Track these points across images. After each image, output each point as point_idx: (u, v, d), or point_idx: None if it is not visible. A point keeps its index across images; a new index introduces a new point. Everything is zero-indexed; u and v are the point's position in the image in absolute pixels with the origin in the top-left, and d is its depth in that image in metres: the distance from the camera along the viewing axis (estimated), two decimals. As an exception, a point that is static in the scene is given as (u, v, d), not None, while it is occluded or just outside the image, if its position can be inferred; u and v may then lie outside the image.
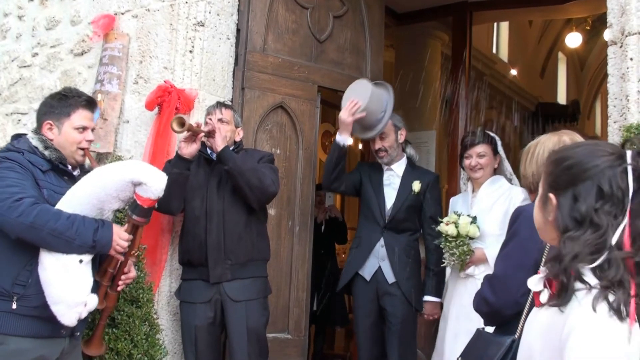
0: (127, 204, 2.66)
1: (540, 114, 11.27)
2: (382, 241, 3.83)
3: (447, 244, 3.52)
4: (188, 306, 3.36)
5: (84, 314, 2.52)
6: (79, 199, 2.55)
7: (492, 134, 3.75)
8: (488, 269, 3.36)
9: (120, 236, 2.58)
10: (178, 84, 3.66)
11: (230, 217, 3.33)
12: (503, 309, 2.14)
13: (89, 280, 2.55)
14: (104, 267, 2.69)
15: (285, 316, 3.98)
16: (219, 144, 3.27)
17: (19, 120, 4.50)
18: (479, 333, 2.20)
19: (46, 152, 2.66)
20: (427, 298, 3.80)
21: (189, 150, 3.29)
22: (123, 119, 3.83)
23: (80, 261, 2.51)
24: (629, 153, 1.40)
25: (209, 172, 3.41)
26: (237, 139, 3.49)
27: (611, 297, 1.29)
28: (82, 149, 2.76)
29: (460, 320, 3.48)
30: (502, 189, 3.61)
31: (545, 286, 1.44)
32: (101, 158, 3.73)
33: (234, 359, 3.29)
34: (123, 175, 2.56)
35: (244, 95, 3.94)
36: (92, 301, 2.55)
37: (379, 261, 3.83)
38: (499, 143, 3.73)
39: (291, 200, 4.06)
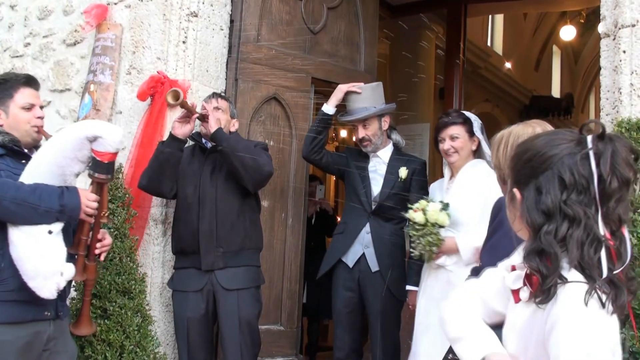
0: (87, 165, 2.61)
1: (534, 107, 11.30)
2: (367, 227, 3.75)
3: (414, 232, 3.33)
4: (180, 296, 3.36)
5: (62, 284, 2.48)
6: (39, 169, 2.53)
7: (467, 114, 3.53)
8: (460, 260, 3.26)
9: (87, 197, 2.55)
10: (171, 74, 3.64)
11: (223, 204, 3.33)
12: None
13: (61, 249, 2.52)
14: (77, 237, 2.65)
15: (278, 308, 3.99)
16: (213, 125, 3.28)
17: (11, 110, 4.48)
18: None
19: None
20: (409, 287, 3.70)
21: (183, 130, 3.30)
22: (116, 110, 3.82)
23: (50, 232, 2.48)
24: (589, 138, 1.36)
25: (203, 160, 3.42)
26: (233, 129, 3.50)
27: (600, 291, 1.28)
28: (36, 127, 2.73)
29: (430, 314, 3.33)
30: (481, 174, 3.36)
31: (525, 284, 1.41)
32: (93, 149, 3.72)
33: (226, 349, 3.29)
34: (77, 133, 2.53)
35: (238, 87, 3.93)
36: (69, 270, 2.51)
37: (363, 248, 3.74)
38: (475, 124, 3.47)
39: (284, 191, 4.06)
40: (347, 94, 3.80)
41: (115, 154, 2.60)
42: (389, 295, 3.71)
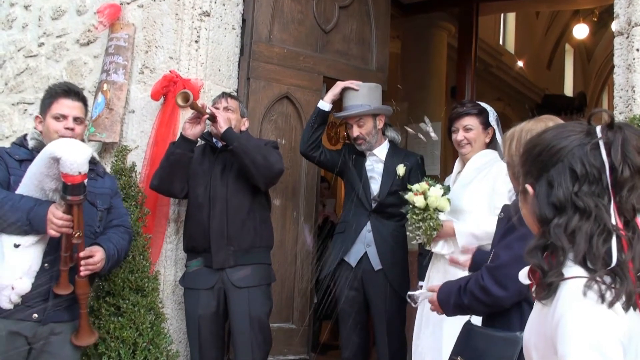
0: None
1: (547, 105, 11.24)
2: (368, 226, 3.74)
3: (414, 216, 3.24)
4: (192, 293, 3.38)
5: (14, 297, 2.57)
6: (25, 181, 2.63)
7: (483, 105, 3.42)
8: (457, 248, 3.18)
9: (54, 214, 2.56)
10: (183, 74, 3.66)
11: (234, 203, 3.35)
12: (505, 300, 2.12)
13: (23, 264, 2.59)
14: (60, 253, 2.67)
15: (289, 306, 4.00)
16: (222, 125, 3.30)
17: (25, 110, 4.51)
18: (472, 330, 2.17)
19: (30, 143, 2.81)
20: (421, 283, 3.58)
21: (193, 131, 3.32)
22: (129, 109, 3.84)
23: (17, 245, 2.56)
24: (598, 128, 1.34)
25: (213, 160, 3.44)
26: (243, 128, 3.51)
27: (600, 282, 1.25)
28: (63, 137, 2.74)
29: (424, 306, 3.16)
30: (489, 163, 3.27)
31: (530, 279, 1.40)
32: (107, 148, 3.75)
33: (237, 347, 3.31)
34: (45, 150, 2.56)
35: (250, 86, 3.95)
36: (22, 285, 2.57)
37: (365, 247, 3.73)
38: (491, 114, 3.36)
39: (296, 190, 4.07)
40: (345, 90, 3.83)
41: (80, 176, 2.51)
42: (393, 294, 3.69)
